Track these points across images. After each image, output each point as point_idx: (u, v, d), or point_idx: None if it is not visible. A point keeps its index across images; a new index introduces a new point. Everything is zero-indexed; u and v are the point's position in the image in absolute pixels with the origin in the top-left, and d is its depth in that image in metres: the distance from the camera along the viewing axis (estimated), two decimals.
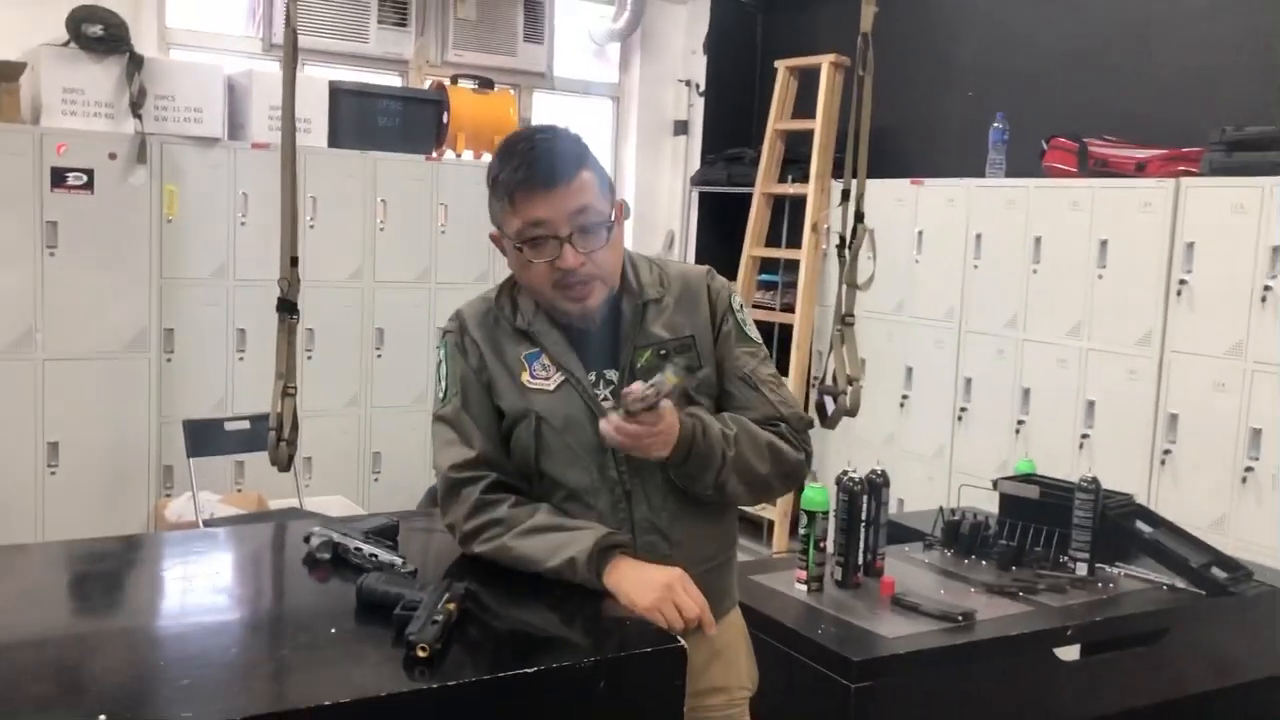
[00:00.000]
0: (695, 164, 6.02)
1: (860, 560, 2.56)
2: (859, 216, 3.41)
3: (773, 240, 5.42)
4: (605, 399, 1.73)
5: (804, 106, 5.24)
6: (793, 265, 5.21)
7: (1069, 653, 2.45)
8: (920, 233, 4.62)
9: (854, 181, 3.47)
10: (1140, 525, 2.82)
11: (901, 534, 2.97)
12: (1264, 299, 3.44)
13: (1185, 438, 3.68)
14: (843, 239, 3.51)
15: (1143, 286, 3.78)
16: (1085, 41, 4.45)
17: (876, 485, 2.60)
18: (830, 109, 5.02)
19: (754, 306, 5.42)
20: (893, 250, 4.70)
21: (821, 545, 2.48)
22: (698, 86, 6.00)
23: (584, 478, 1.73)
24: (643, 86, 6.11)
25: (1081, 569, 2.70)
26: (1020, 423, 4.19)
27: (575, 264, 1.66)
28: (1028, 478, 3.01)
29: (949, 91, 5.00)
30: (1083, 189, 4.01)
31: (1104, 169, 4.03)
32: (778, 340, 5.27)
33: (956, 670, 2.31)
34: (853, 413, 3.52)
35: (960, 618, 2.35)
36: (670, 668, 1.43)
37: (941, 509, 2.97)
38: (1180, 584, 2.65)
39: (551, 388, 1.74)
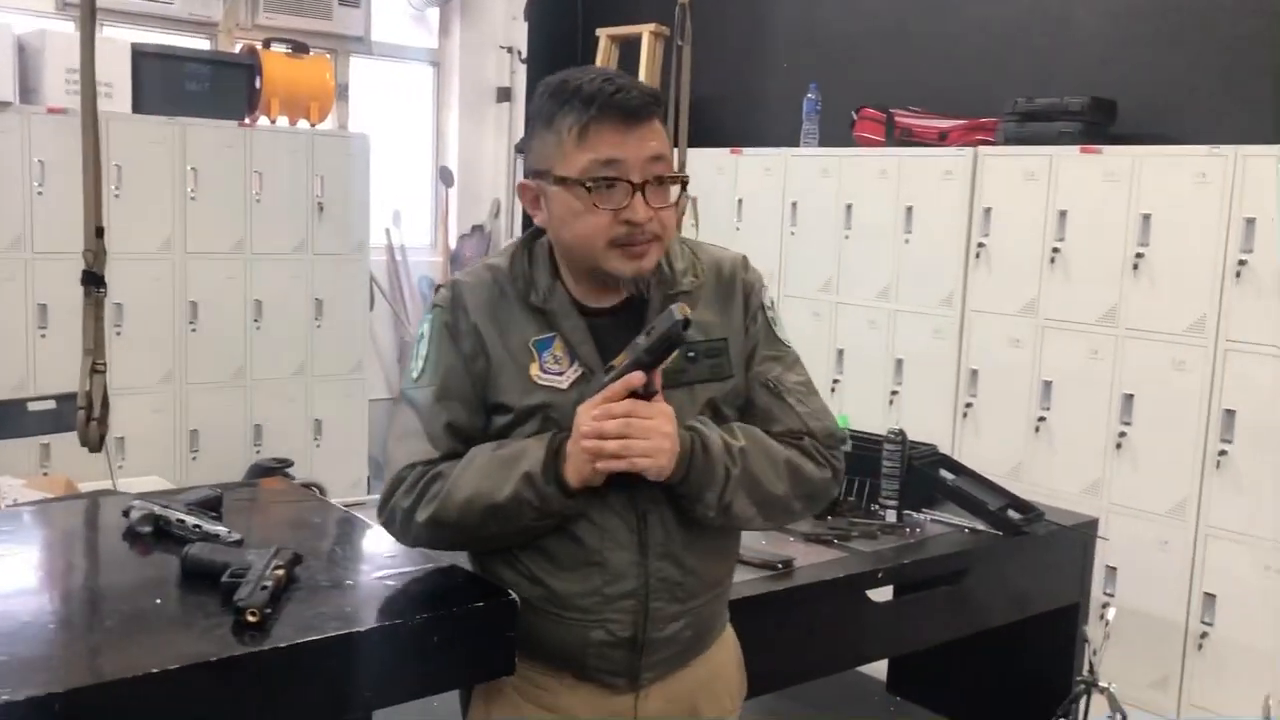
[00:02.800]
0: (520, 131, 6.00)
1: None
2: (683, 185, 3.48)
3: None
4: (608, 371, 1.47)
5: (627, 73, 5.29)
6: None
7: (881, 594, 2.61)
8: (740, 200, 4.76)
9: (675, 150, 3.54)
10: (944, 473, 3.01)
11: None
12: (1053, 260, 3.70)
13: (985, 391, 3.92)
14: None
15: (945, 250, 4.00)
16: (893, 16, 4.65)
17: None
18: (651, 78, 5.09)
19: None
20: (714, 217, 4.83)
21: None
22: (520, 53, 5.98)
23: (594, 493, 1.48)
24: (464, 53, 6.05)
25: (891, 516, 2.88)
26: (835, 381, 4.38)
27: (645, 217, 1.44)
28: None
29: (765, 63, 5.14)
30: (890, 158, 4.20)
31: (910, 138, 4.24)
32: None
33: (778, 615, 2.43)
34: None
35: (780, 565, 2.47)
36: (501, 619, 1.47)
37: None
38: (980, 526, 2.85)
39: (565, 385, 1.50)
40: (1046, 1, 4.16)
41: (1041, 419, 3.74)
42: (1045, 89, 3.90)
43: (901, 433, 2.91)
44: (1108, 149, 3.60)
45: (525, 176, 1.53)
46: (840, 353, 4.39)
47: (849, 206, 4.33)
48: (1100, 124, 3.76)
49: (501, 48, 6.01)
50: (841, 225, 4.35)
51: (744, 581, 2.39)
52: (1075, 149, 3.66)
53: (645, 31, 5.09)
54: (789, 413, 1.59)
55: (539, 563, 1.53)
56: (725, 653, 1.71)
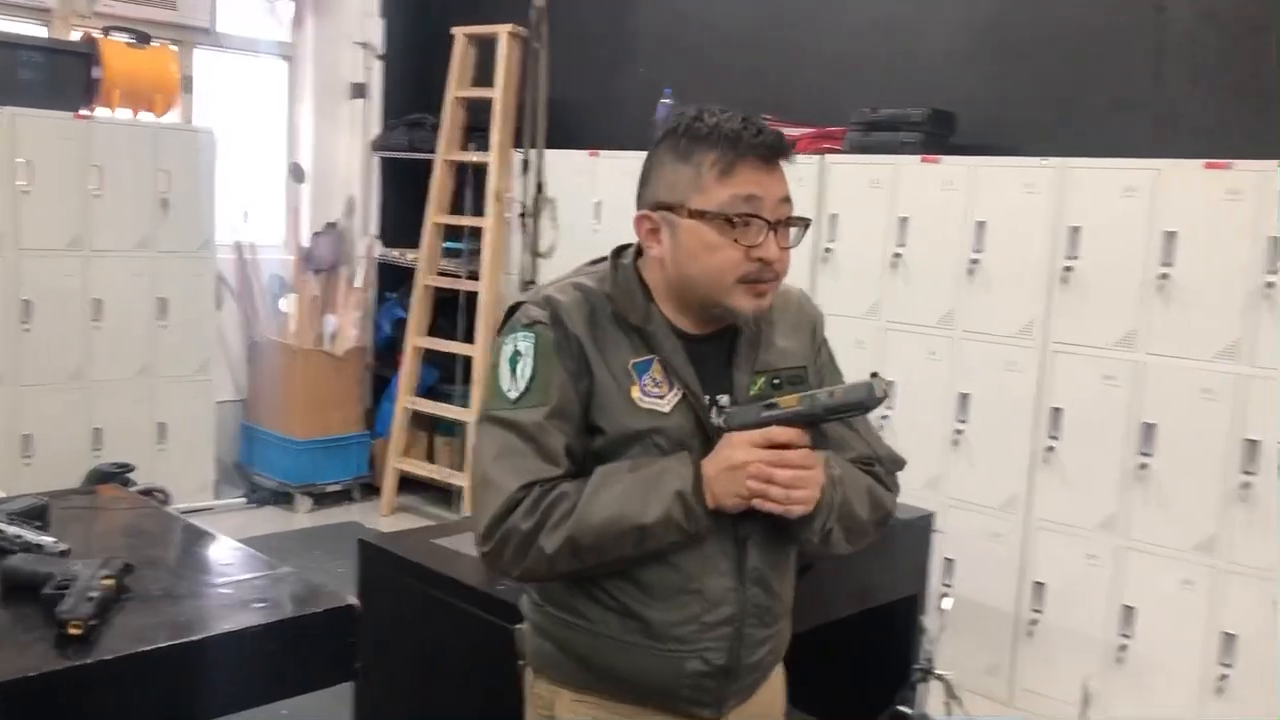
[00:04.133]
0: (376, 129, 5.92)
1: None
2: (539, 186, 3.50)
3: (457, 208, 5.43)
4: (720, 418, 1.49)
5: (485, 74, 5.27)
6: (478, 233, 5.24)
7: None
8: (599, 203, 4.79)
9: (534, 152, 3.55)
10: None
11: None
12: (894, 265, 3.84)
13: None
14: (525, 208, 3.59)
15: (795, 255, 4.10)
16: (746, 24, 4.75)
17: None
18: (510, 78, 5.08)
19: (439, 274, 5.43)
20: (574, 219, 4.86)
21: None
22: (376, 49, 5.89)
23: None
24: (318, 47, 5.92)
25: None
26: None
27: (776, 256, 1.47)
28: None
29: (623, 67, 5.19)
30: None
31: None
32: (465, 308, 5.31)
33: None
34: None
35: None
36: (341, 625, 1.46)
37: None
38: None
39: (667, 408, 1.49)
40: (893, 16, 4.31)
41: (885, 418, 3.88)
42: (890, 100, 4.04)
43: None
44: (946, 159, 3.76)
45: (643, 208, 1.52)
46: None
47: None
48: (940, 135, 3.92)
49: (356, 43, 5.90)
50: None
51: None
52: (916, 158, 3.81)
53: (503, 32, 5.06)
54: (859, 440, 1.62)
55: (631, 593, 1.49)
56: (780, 676, 1.72)
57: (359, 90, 5.95)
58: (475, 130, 5.33)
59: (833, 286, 4.02)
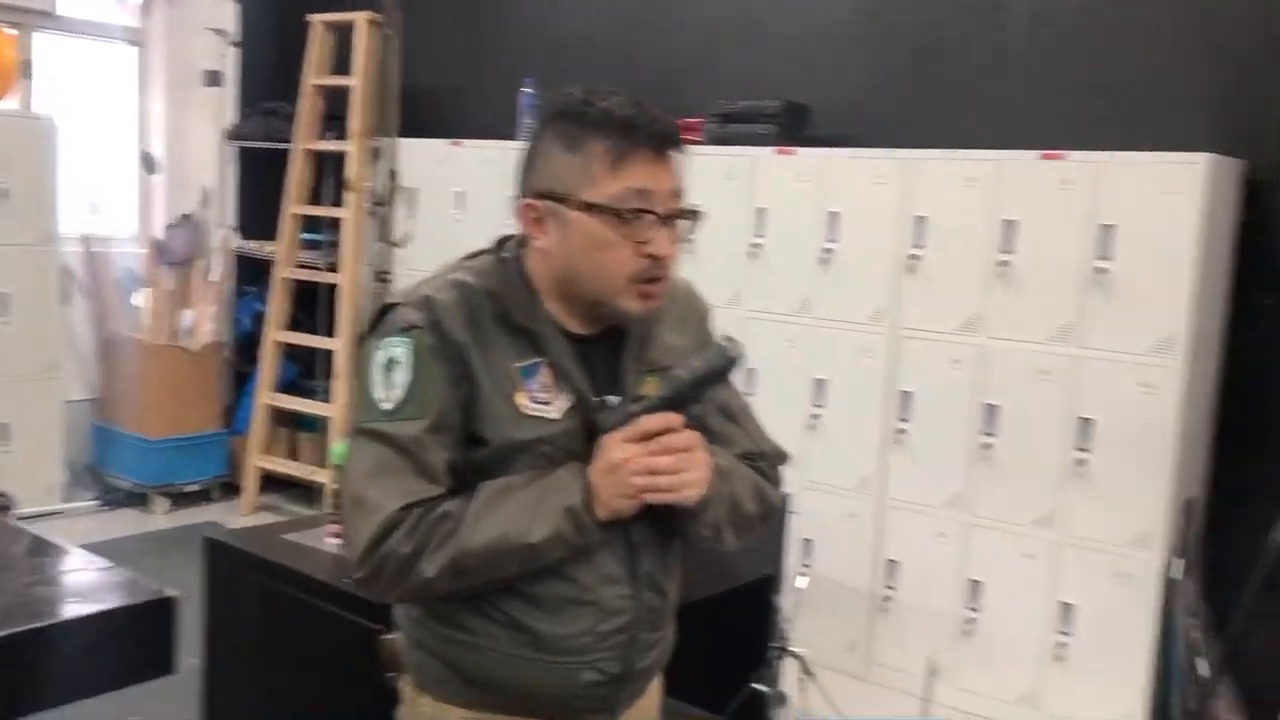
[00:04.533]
0: (231, 117, 5.75)
1: None
2: (393, 175, 3.46)
3: (316, 198, 5.33)
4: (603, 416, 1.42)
5: (343, 62, 5.18)
6: (337, 224, 5.15)
7: None
8: (461, 193, 4.75)
9: (386, 140, 3.51)
10: None
11: None
12: (752, 255, 3.91)
13: None
14: (378, 197, 3.54)
15: None
16: (607, 16, 4.78)
17: None
18: (368, 67, 5.00)
19: (299, 266, 5.32)
20: (435, 209, 4.81)
21: None
22: (230, 36, 5.72)
23: None
24: (169, 33, 5.71)
25: None
26: None
27: (668, 252, 1.40)
28: None
29: (484, 56, 5.16)
30: None
31: None
32: (326, 299, 5.20)
33: None
34: None
35: None
36: (158, 618, 1.43)
37: None
38: None
39: (556, 415, 1.41)
40: (749, 10, 4.39)
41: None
42: (747, 93, 4.12)
43: None
44: (800, 150, 3.85)
45: (527, 196, 1.42)
46: None
47: None
48: (795, 127, 4.01)
49: (210, 29, 5.72)
50: None
51: None
52: (772, 150, 3.89)
53: (360, 19, 4.98)
54: (743, 436, 1.58)
55: (520, 607, 1.42)
56: (654, 697, 1.68)
57: (213, 78, 5.77)
58: (334, 119, 5.23)
59: (694, 276, 4.04)
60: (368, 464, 1.37)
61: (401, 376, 1.37)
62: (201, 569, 2.60)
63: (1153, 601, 3.25)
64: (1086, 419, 3.30)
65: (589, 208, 1.37)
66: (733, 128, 4.04)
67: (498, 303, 1.42)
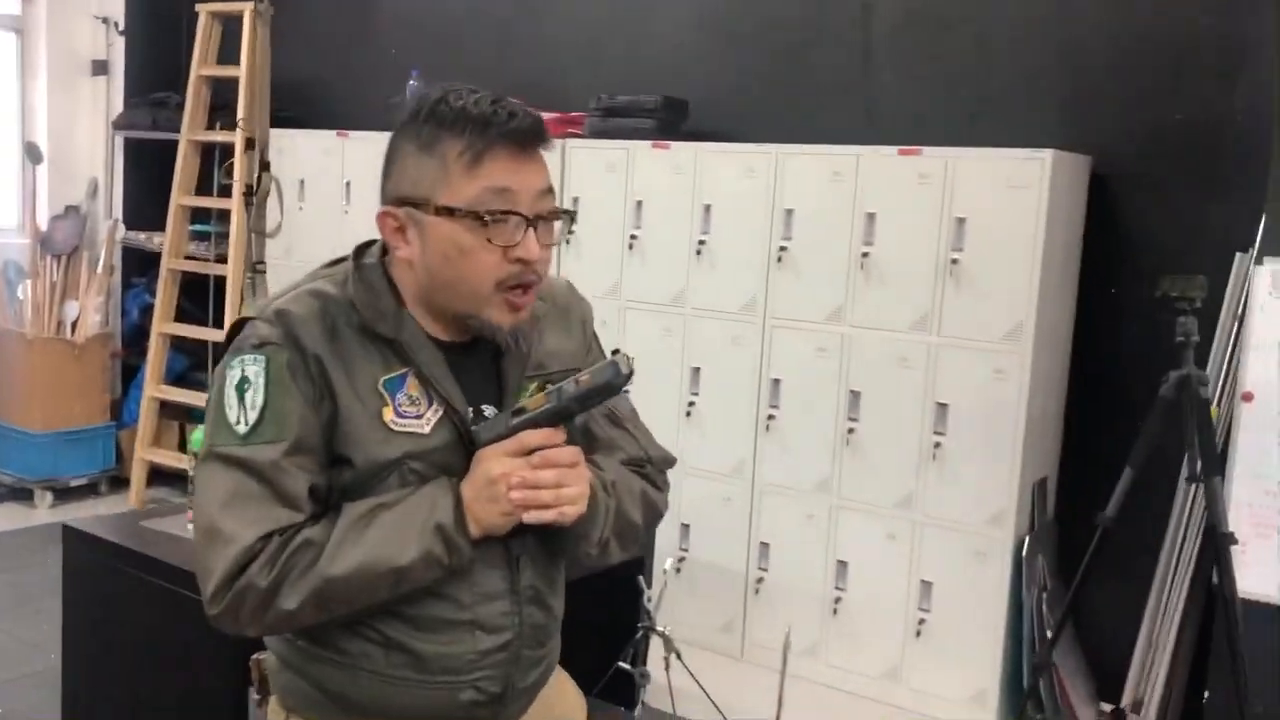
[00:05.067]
0: (118, 107, 5.67)
1: None
2: (264, 165, 3.47)
3: (204, 189, 5.28)
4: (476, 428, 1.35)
5: (231, 52, 5.14)
6: (226, 215, 5.12)
7: None
8: (348, 183, 4.76)
9: (258, 130, 3.52)
10: None
11: None
12: (631, 246, 4.00)
13: None
14: (249, 187, 3.55)
15: None
16: (493, 8, 4.83)
17: None
18: (263, 56, 4.93)
19: (187, 258, 5.27)
20: (323, 200, 4.82)
21: None
22: (117, 25, 5.64)
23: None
24: (52, 21, 5.62)
25: None
26: None
27: (537, 255, 1.32)
28: None
29: (372, 47, 5.17)
30: None
31: None
32: (213, 292, 5.17)
33: None
34: None
35: None
36: None
37: None
38: None
39: (426, 428, 1.33)
40: (631, 5, 4.47)
41: (626, 391, 4.03)
42: (629, 88, 4.19)
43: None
44: (676, 144, 3.94)
45: (386, 203, 1.35)
46: None
47: None
48: (673, 121, 4.10)
49: (95, 17, 5.64)
50: None
51: None
52: (649, 144, 3.97)
53: (247, 9, 4.94)
54: (630, 441, 1.53)
55: (397, 627, 1.35)
56: (561, 682, 1.63)
57: (99, 67, 5.70)
58: (221, 109, 5.20)
59: (575, 267, 4.14)
60: (221, 491, 1.28)
61: (256, 397, 1.29)
62: (61, 559, 2.60)
63: (1006, 578, 3.40)
64: (943, 404, 3.44)
65: (448, 212, 1.30)
66: (613, 121, 4.12)
67: (359, 313, 1.34)
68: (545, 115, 4.47)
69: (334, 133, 4.81)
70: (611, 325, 4.04)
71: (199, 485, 1.33)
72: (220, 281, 5.13)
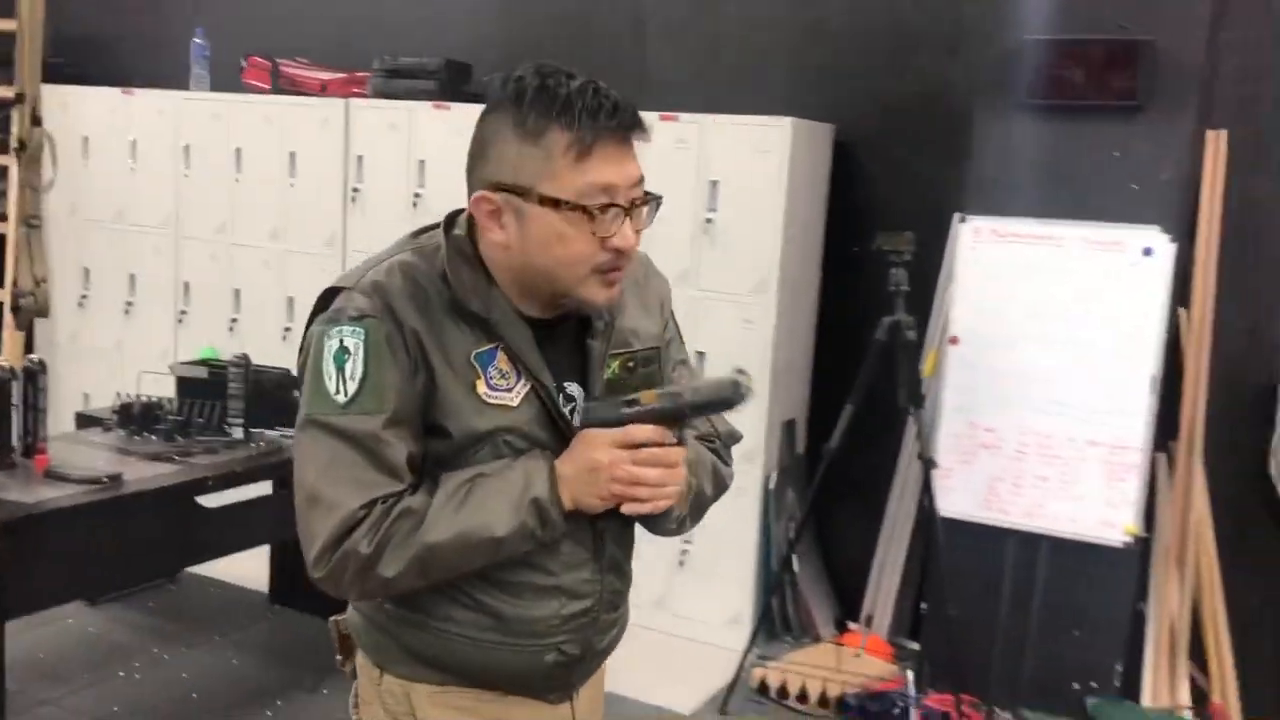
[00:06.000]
0: None
1: (16, 443, 2.75)
2: (35, 120, 3.47)
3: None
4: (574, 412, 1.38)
5: (7, 5, 5.00)
6: (5, 173, 5.00)
7: (214, 500, 2.88)
8: (134, 141, 4.73)
9: (29, 84, 3.51)
10: (296, 394, 3.32)
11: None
12: (415, 204, 4.14)
13: None
14: (22, 143, 3.55)
15: (326, 194, 4.32)
16: None
17: (32, 373, 2.79)
18: (34, 10, 4.84)
19: None
20: (108, 159, 4.78)
21: None
22: None
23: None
24: None
25: (238, 433, 3.15)
26: (234, 320, 4.55)
27: (632, 244, 1.34)
28: (202, 362, 3.39)
29: (159, 3, 5.13)
30: (275, 105, 4.43)
31: (294, 88, 4.49)
32: None
33: (107, 523, 2.62)
34: (44, 312, 3.61)
35: (105, 480, 2.65)
36: None
37: (118, 394, 3.24)
38: None
39: (515, 402, 1.36)
40: None
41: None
42: (411, 49, 4.31)
43: (245, 357, 3.18)
44: (457, 106, 4.09)
45: (482, 187, 1.34)
46: (237, 292, 4.56)
47: (239, 150, 4.49)
48: (456, 83, 4.25)
49: None
50: (233, 169, 4.51)
51: (66, 496, 2.57)
52: (430, 105, 4.11)
53: None
54: (703, 419, 1.54)
55: (488, 591, 1.39)
56: (599, 692, 1.67)
57: None
58: (7, 65, 5.06)
59: (362, 225, 4.27)
60: (322, 459, 1.31)
61: (355, 368, 1.30)
62: None
63: (757, 511, 3.72)
64: (701, 352, 3.72)
65: (553, 203, 1.30)
66: (395, 82, 4.24)
67: (450, 288, 1.35)
68: (328, 75, 4.56)
69: (118, 90, 4.76)
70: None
71: (299, 451, 1.34)
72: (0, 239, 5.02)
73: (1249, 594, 3.34)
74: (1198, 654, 3.31)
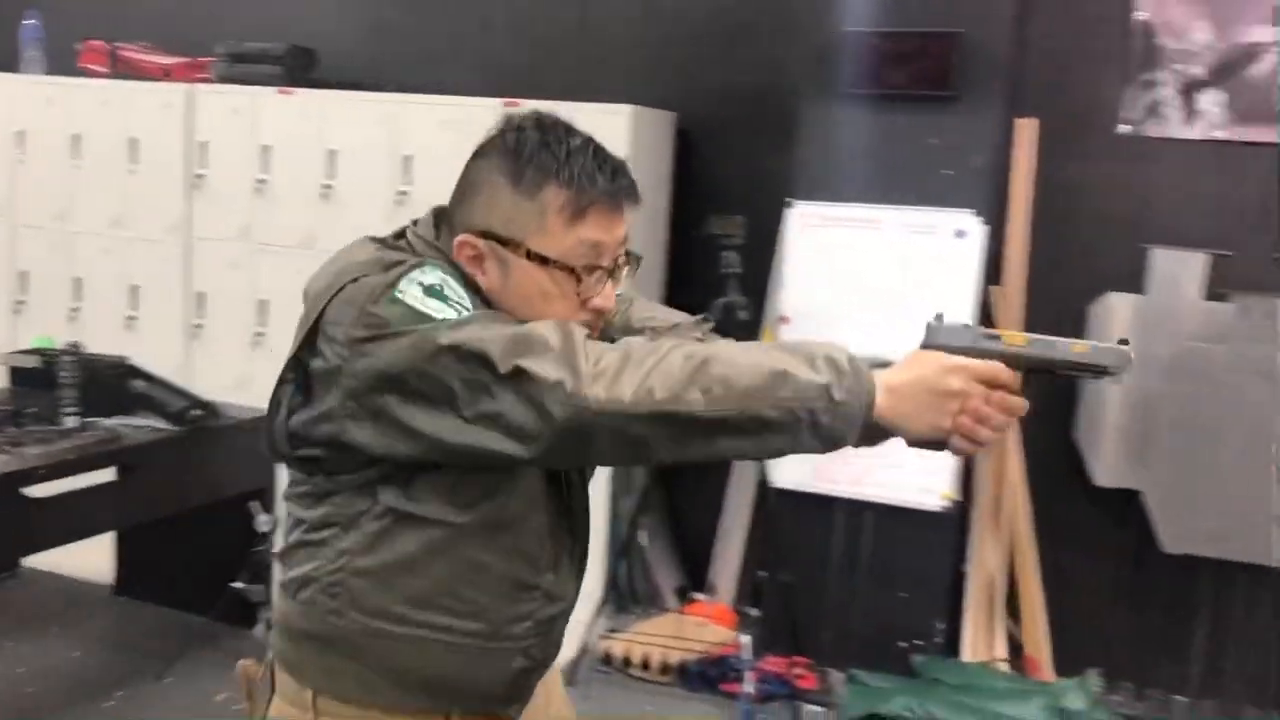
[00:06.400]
0: None
1: None
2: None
3: None
4: None
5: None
6: None
7: (44, 490, 2.85)
8: None
9: None
10: (134, 382, 3.30)
11: None
12: (259, 190, 4.11)
13: (213, 312, 4.26)
14: None
15: (168, 180, 4.25)
16: None
17: None
18: None
19: None
20: None
21: None
22: None
23: (537, 508, 1.38)
24: None
25: (72, 422, 3.11)
26: (74, 309, 4.44)
27: (611, 305, 1.35)
28: (35, 351, 3.33)
29: None
30: (114, 89, 4.33)
31: (134, 72, 4.40)
32: None
33: None
34: None
35: None
36: None
37: None
38: (164, 425, 3.20)
39: None
40: None
41: (260, 334, 4.16)
42: (256, 34, 4.28)
43: (77, 345, 3.14)
44: (302, 92, 4.07)
45: (468, 230, 1.33)
46: (78, 281, 4.46)
47: (76, 136, 4.38)
48: (301, 69, 4.23)
49: None
50: (69, 155, 4.40)
51: None
52: (274, 90, 4.09)
53: None
54: None
55: (477, 583, 1.36)
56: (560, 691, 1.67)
57: None
58: None
59: (207, 211, 4.21)
60: (479, 330, 1.21)
61: (456, 292, 1.27)
62: None
63: (605, 487, 3.82)
64: None
65: (540, 259, 1.31)
66: (239, 67, 4.20)
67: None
68: (171, 60, 4.49)
69: None
70: (244, 267, 4.15)
71: (450, 375, 1.21)
72: None
73: (1059, 553, 3.59)
74: (1015, 611, 3.55)
